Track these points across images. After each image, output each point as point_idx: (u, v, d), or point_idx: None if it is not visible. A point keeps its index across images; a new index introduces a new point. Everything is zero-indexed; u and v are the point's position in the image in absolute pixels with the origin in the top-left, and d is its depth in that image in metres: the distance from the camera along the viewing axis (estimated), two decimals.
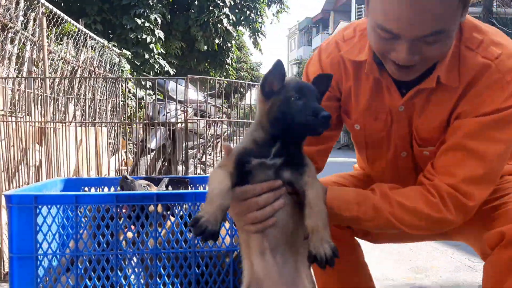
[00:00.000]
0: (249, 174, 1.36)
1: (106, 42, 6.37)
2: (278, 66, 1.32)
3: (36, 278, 1.90)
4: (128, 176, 2.57)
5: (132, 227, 1.98)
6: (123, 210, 1.99)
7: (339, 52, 1.60)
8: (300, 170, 1.34)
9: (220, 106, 7.53)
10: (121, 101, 6.87)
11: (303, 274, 1.36)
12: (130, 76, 5.52)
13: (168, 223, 2.00)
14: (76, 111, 5.38)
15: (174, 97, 4.91)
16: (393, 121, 1.57)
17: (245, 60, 21.90)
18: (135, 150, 5.06)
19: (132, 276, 2.01)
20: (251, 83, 4.23)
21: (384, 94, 1.54)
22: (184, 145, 4.13)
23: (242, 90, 4.30)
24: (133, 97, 7.01)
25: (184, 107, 3.93)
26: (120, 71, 6.83)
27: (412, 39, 1.27)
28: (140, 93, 5.88)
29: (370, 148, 1.70)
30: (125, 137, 6.10)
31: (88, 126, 5.41)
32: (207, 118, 4.19)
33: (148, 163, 5.22)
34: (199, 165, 5.47)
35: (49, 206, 1.93)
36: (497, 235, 1.33)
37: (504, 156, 1.40)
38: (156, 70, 9.25)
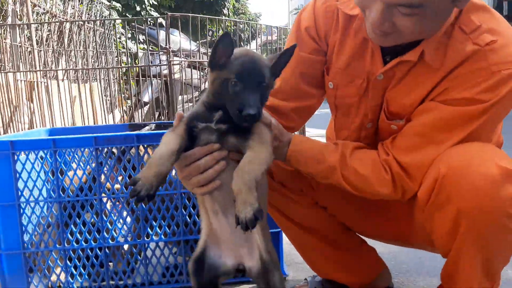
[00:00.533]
0: (196, 139, 1.34)
1: None
2: (226, 39, 1.25)
3: (20, 225, 1.87)
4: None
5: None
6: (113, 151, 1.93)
7: (336, 1, 1.51)
8: (247, 136, 1.29)
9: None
10: (115, 56, 6.73)
11: (255, 233, 1.35)
12: (122, 30, 5.35)
13: None
14: (68, 67, 5.27)
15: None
16: (368, 89, 1.48)
17: (243, 11, 21.34)
18: (130, 105, 4.97)
19: (118, 220, 1.96)
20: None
21: (366, 57, 1.45)
22: (175, 95, 4.03)
23: (240, 41, 4.14)
24: (124, 50, 6.84)
25: (173, 55, 3.79)
26: (112, 25, 6.62)
27: (388, 4, 1.19)
28: (134, 47, 5.70)
29: (339, 113, 1.61)
30: (122, 94, 6.01)
31: (83, 82, 5.31)
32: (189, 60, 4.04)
33: (143, 117, 5.15)
34: None
35: (26, 152, 1.87)
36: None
37: None
38: (148, 23, 8.98)
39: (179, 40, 3.87)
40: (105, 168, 1.91)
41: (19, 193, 1.86)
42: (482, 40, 1.27)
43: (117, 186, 1.94)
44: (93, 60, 5.88)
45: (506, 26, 1.32)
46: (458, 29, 1.30)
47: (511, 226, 1.22)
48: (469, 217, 1.22)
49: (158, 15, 8.90)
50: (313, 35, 1.53)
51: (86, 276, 1.94)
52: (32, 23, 4.11)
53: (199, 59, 4.75)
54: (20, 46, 3.80)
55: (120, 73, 5.72)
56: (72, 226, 1.90)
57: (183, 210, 1.94)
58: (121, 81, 5.81)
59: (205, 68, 5.87)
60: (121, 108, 5.73)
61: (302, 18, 1.56)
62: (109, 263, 1.96)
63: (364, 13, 1.30)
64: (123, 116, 5.69)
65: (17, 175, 1.85)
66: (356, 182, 1.42)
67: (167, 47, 3.35)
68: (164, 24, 4.21)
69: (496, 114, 1.31)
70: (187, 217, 1.95)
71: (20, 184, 1.86)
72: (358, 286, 1.74)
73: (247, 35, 7.02)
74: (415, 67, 1.37)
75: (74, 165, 1.92)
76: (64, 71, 4.69)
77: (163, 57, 4.51)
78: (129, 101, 5.92)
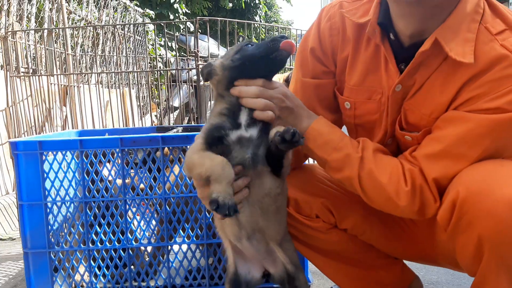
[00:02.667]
0: (227, 151, 1.27)
1: (128, 2, 6.28)
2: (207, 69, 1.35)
3: (46, 225, 1.89)
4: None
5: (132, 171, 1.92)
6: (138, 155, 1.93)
7: (341, 10, 1.42)
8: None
9: None
10: (148, 63, 6.84)
11: (275, 251, 1.39)
12: (156, 38, 5.43)
13: (176, 167, 1.93)
14: (102, 73, 5.38)
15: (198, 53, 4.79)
16: (389, 103, 1.37)
17: (275, 19, 21.38)
18: (160, 110, 5.02)
19: (142, 222, 1.96)
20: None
21: (381, 70, 1.36)
22: (203, 100, 4.04)
23: None
24: (159, 59, 6.95)
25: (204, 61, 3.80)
26: (145, 32, 6.74)
27: None
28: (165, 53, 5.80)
29: (361, 133, 1.49)
30: (153, 99, 6.10)
31: (115, 87, 5.41)
32: None
33: (173, 121, 5.19)
34: None
35: (54, 152, 1.89)
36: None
37: None
38: (181, 31, 9.10)
39: (208, 45, 3.88)
40: (131, 170, 1.91)
41: (46, 192, 1.88)
42: (510, 43, 1.19)
43: (141, 186, 1.94)
44: (125, 66, 6.00)
45: None
46: (484, 29, 1.22)
47: None
48: (491, 243, 1.14)
49: (190, 24, 9.03)
50: (319, 56, 1.46)
51: (109, 277, 1.94)
52: (66, 27, 4.21)
53: None
54: (55, 51, 3.88)
55: (152, 78, 5.81)
56: (96, 226, 1.91)
57: (206, 213, 1.92)
58: (153, 86, 5.90)
59: None
60: (152, 113, 5.81)
61: (306, 43, 1.49)
62: (132, 265, 1.96)
63: None
64: (154, 121, 5.77)
65: (45, 174, 1.88)
66: (369, 186, 1.30)
67: (195, 51, 3.36)
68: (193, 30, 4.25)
69: None
70: (210, 220, 1.93)
71: (47, 184, 1.89)
72: None
73: None
74: (437, 71, 1.27)
75: (100, 166, 1.93)
76: (97, 75, 4.78)
77: (193, 62, 4.54)
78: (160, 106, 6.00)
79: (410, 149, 1.33)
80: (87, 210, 1.90)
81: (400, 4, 1.25)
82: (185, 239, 1.95)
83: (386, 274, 1.63)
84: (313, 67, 1.47)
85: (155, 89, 6.11)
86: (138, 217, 1.97)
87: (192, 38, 4.92)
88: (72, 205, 1.93)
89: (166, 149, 1.93)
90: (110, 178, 1.93)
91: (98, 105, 4.14)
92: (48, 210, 1.89)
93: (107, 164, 1.92)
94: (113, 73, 5.08)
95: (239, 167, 1.26)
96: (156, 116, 5.93)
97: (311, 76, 1.48)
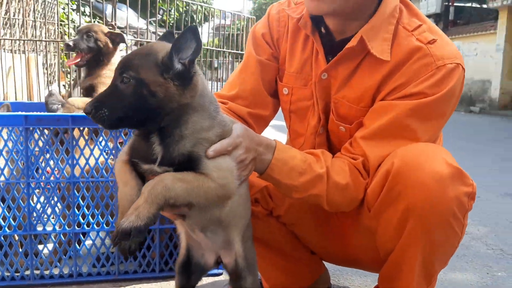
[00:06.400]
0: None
1: None
2: None
3: None
4: (55, 92, 2.32)
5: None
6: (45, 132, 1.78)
7: (288, 7, 1.54)
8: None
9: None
10: (58, 28, 6.33)
11: (235, 241, 1.31)
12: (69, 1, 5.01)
13: (87, 149, 1.81)
14: (5, 36, 4.90)
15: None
16: (317, 90, 1.47)
17: None
18: (69, 79, 4.70)
19: (47, 207, 1.83)
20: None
21: (313, 59, 1.48)
22: None
23: (192, 22, 3.98)
24: (71, 25, 6.45)
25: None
26: None
27: None
28: (78, 20, 5.36)
29: (294, 119, 1.58)
30: (62, 69, 5.69)
31: (19, 52, 4.96)
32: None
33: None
34: None
35: None
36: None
37: None
38: None
39: (127, 16, 3.68)
40: (36, 149, 1.77)
41: None
42: (425, 38, 1.33)
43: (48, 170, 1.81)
44: (33, 30, 5.50)
45: (440, 29, 1.40)
46: (402, 28, 1.36)
47: (455, 226, 1.24)
48: (417, 213, 1.22)
49: None
50: (268, 41, 1.57)
51: (8, 265, 1.80)
52: None
53: (148, 38, 4.55)
54: None
55: (61, 46, 5.39)
56: None
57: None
58: (62, 54, 5.49)
59: None
60: (60, 82, 5.42)
61: (258, 28, 1.60)
62: (34, 253, 1.83)
63: None
64: (61, 92, 5.39)
65: None
66: (335, 196, 1.33)
67: (113, 23, 3.16)
68: None
69: (447, 107, 1.33)
70: None
71: None
72: None
73: (200, 17, 6.85)
74: (362, 65, 1.38)
75: None
76: None
77: None
78: (69, 76, 5.62)
79: (349, 142, 1.40)
80: None
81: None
82: (94, 225, 1.85)
83: (304, 265, 1.69)
84: (264, 49, 1.57)
85: (65, 57, 5.70)
86: (42, 201, 1.83)
87: (110, 6, 4.64)
88: None
89: (76, 129, 1.81)
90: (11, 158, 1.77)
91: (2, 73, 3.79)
92: None
93: (8, 144, 1.75)
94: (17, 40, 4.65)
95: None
96: (64, 86, 5.54)
97: (263, 55, 1.56)
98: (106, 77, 2.48)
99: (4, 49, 4.61)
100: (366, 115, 1.38)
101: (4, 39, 4.62)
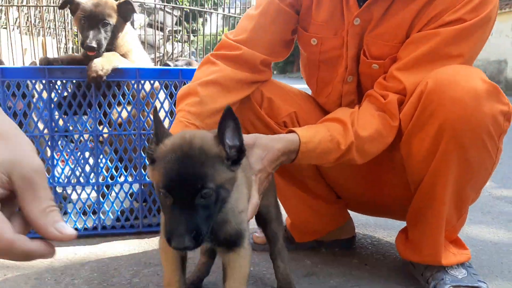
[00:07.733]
0: None
1: None
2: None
3: None
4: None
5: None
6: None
7: None
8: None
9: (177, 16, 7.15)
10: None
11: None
12: None
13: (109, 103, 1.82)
14: (21, 18, 4.95)
15: None
16: (348, 38, 1.42)
17: None
18: None
19: (70, 161, 1.85)
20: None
21: (343, 5, 1.41)
22: None
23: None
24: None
25: None
26: None
27: None
28: None
29: (323, 69, 1.54)
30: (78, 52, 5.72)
31: (34, 35, 5.02)
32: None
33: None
34: None
35: None
36: None
37: None
38: None
39: None
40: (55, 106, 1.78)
41: None
42: None
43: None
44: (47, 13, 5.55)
45: None
46: None
47: (489, 146, 1.21)
48: (451, 130, 1.19)
49: None
50: None
51: None
52: None
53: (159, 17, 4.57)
54: None
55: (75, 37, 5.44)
56: None
57: (142, 152, 1.84)
58: (75, 39, 5.54)
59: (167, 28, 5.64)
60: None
61: None
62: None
63: None
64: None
65: None
66: (367, 149, 1.31)
67: None
68: None
69: (484, 32, 1.31)
70: (146, 160, 1.86)
71: None
72: (326, 233, 1.72)
73: (210, 5, 6.84)
74: (395, 1, 1.33)
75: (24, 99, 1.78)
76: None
77: None
78: None
79: (381, 77, 1.37)
80: None
81: None
82: (118, 178, 1.86)
83: (325, 205, 1.66)
84: None
85: (77, 42, 5.75)
86: (66, 156, 1.85)
87: None
88: None
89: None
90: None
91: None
92: None
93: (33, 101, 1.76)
94: None
95: None
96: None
97: (286, 4, 1.47)
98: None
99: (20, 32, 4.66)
100: (400, 49, 1.35)
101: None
